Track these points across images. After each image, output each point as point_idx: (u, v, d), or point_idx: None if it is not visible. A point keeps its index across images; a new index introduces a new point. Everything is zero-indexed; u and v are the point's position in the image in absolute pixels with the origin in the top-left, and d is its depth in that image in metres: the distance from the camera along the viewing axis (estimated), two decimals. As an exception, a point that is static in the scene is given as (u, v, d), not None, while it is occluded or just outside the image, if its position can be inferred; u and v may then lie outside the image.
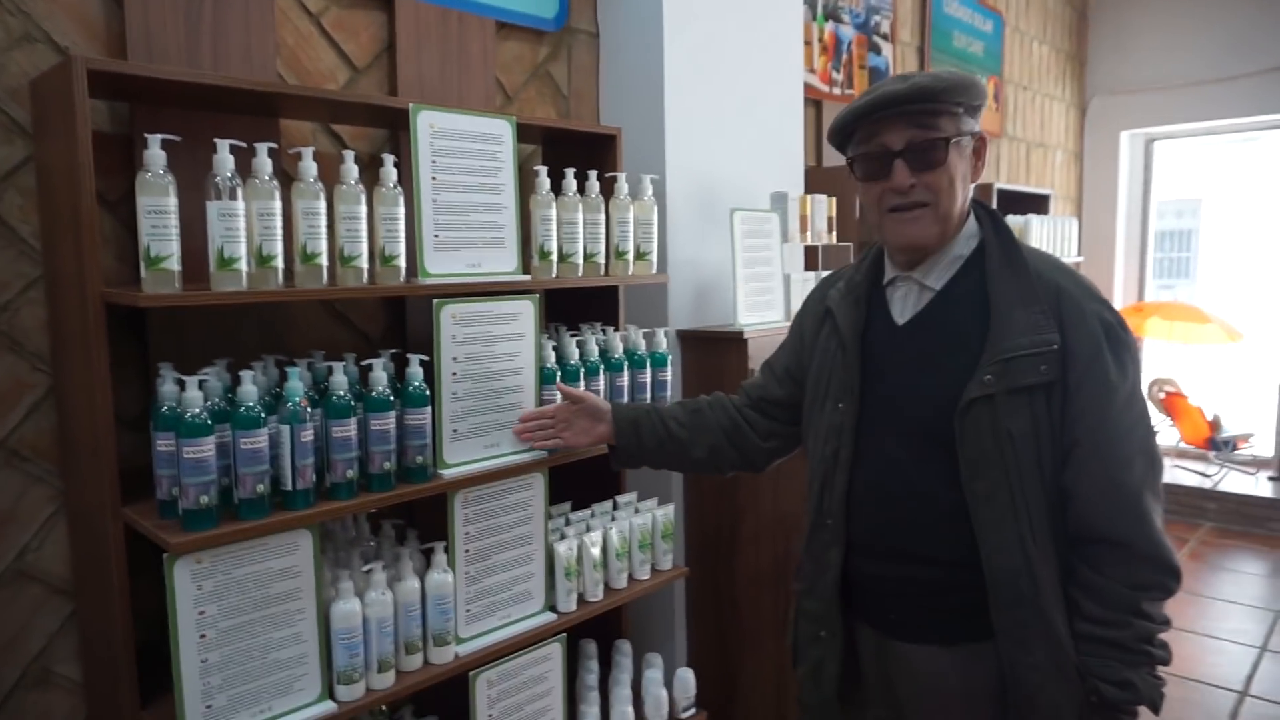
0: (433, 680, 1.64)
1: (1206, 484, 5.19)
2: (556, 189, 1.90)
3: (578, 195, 1.93)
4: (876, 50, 3.87)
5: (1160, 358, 6.10)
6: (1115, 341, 1.26)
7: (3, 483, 1.58)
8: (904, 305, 1.39)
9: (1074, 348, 1.25)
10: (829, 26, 3.58)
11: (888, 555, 1.36)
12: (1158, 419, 5.51)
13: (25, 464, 1.60)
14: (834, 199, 2.78)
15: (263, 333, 1.79)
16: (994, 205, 3.98)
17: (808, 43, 3.43)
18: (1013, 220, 4.09)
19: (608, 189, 2.02)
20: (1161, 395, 5.56)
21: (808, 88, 3.33)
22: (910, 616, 1.36)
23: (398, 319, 2.08)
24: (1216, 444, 5.42)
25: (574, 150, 2.16)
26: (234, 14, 1.76)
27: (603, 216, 1.99)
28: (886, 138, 1.30)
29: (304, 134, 1.90)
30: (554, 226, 1.88)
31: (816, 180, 3.09)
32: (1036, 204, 4.58)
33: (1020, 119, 5.28)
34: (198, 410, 1.34)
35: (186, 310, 1.67)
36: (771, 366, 1.66)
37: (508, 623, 1.79)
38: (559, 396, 1.83)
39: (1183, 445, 5.63)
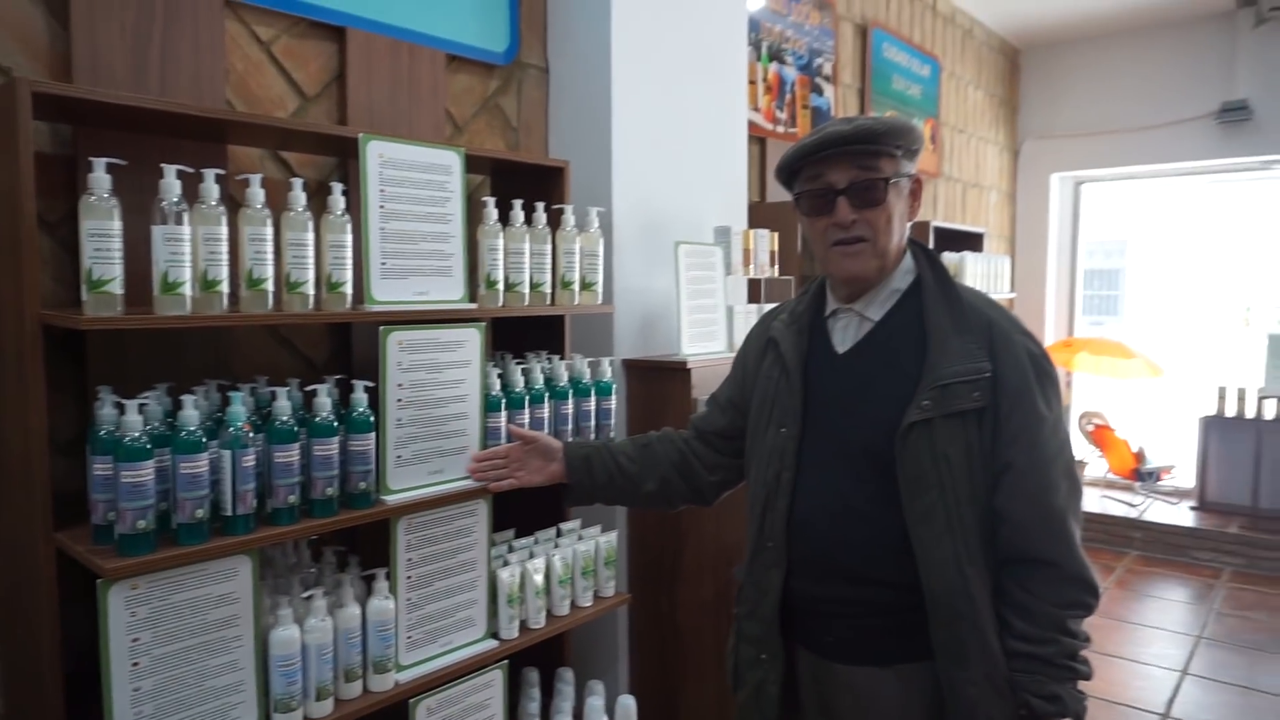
0: (372, 708, 1.62)
1: (1133, 513, 5.37)
2: (504, 219, 1.93)
3: (525, 226, 1.96)
4: (819, 91, 4.00)
5: (1089, 391, 6.33)
6: (1041, 373, 1.35)
7: (-72, 508, 1.54)
8: (845, 335, 1.46)
9: (1004, 376, 1.33)
10: (773, 67, 3.70)
11: (827, 577, 1.40)
12: (1088, 451, 5.71)
13: (-48, 489, 1.56)
14: (776, 234, 2.85)
15: (206, 357, 1.78)
16: (931, 242, 4.12)
17: (752, 82, 3.54)
18: (949, 257, 4.22)
19: (555, 220, 2.05)
20: (1090, 427, 5.75)
21: (752, 125, 3.43)
22: (848, 637, 1.40)
23: (343, 345, 2.08)
24: (1142, 475, 5.62)
25: (522, 182, 2.19)
26: (183, 39, 1.76)
27: (549, 247, 2.02)
28: (831, 176, 1.37)
29: (252, 160, 1.91)
30: (501, 256, 1.91)
31: (760, 215, 3.17)
32: (971, 242, 4.75)
33: (956, 160, 5.48)
34: (137, 434, 1.33)
35: (128, 334, 1.65)
36: (716, 399, 1.71)
37: (449, 650, 1.79)
38: (503, 424, 1.84)
39: (1110, 476, 5.83)
